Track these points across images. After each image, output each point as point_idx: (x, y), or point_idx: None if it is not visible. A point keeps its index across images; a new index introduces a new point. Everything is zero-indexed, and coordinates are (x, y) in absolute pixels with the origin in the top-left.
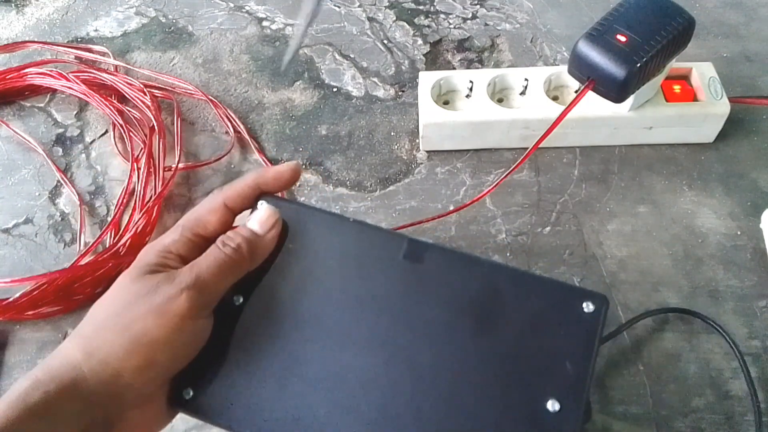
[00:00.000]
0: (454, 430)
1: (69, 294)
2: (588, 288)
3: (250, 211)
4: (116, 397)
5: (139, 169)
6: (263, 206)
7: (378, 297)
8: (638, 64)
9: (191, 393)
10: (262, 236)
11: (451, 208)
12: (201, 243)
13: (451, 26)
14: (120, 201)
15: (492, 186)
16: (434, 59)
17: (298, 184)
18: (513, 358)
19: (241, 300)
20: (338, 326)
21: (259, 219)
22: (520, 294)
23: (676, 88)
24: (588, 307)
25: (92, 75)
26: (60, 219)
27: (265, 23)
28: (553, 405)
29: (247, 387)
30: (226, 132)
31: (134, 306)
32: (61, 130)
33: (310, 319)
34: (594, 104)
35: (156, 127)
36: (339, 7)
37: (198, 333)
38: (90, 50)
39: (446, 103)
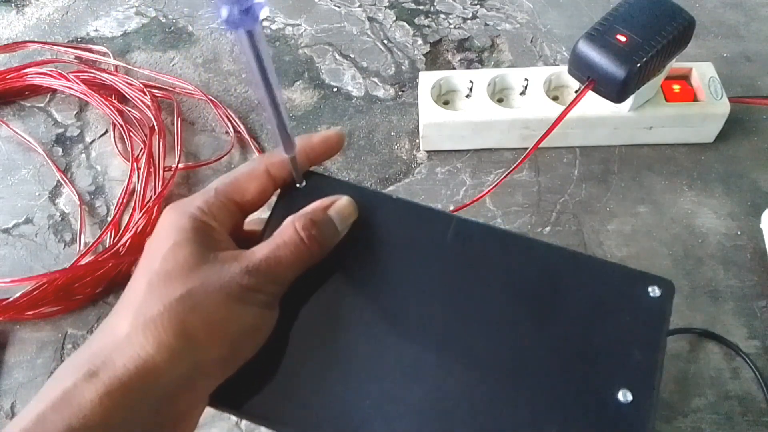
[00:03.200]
0: (516, 423)
1: (69, 294)
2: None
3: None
4: (191, 391)
5: (139, 169)
6: (345, 198)
7: (427, 280)
8: (638, 64)
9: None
10: (339, 232)
11: (451, 208)
12: (235, 211)
13: (451, 26)
14: (120, 201)
15: (492, 186)
16: (434, 59)
17: None
18: (578, 346)
19: None
20: (383, 311)
21: (341, 212)
22: (582, 278)
23: (676, 88)
24: (654, 291)
25: (92, 75)
26: (60, 219)
27: (265, 23)
28: (624, 395)
29: (281, 376)
30: (226, 132)
31: (211, 292)
32: (61, 130)
33: (349, 301)
34: (594, 104)
35: (156, 127)
36: (339, 7)
37: (273, 322)
38: (90, 50)
39: (446, 103)
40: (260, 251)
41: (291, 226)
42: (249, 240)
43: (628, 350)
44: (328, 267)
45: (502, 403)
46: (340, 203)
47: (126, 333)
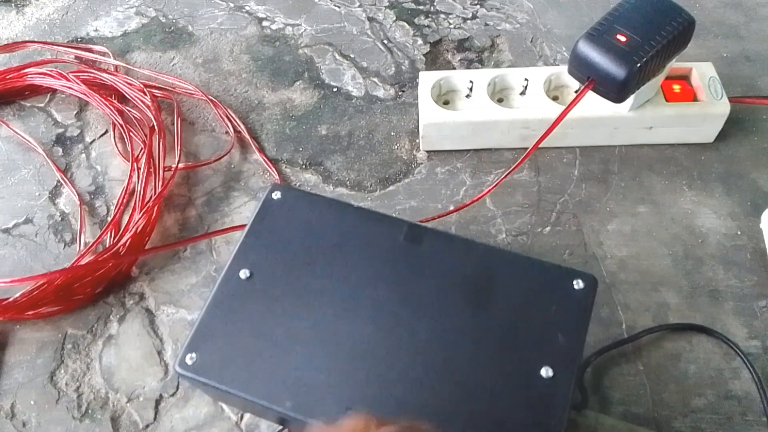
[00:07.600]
0: (453, 397)
1: (69, 294)
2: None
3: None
4: None
5: (139, 169)
6: None
7: (380, 275)
8: (638, 64)
9: (195, 357)
10: None
11: (451, 208)
12: None
13: (451, 26)
14: (120, 201)
15: (492, 186)
16: (434, 59)
17: (298, 184)
18: (509, 332)
19: (248, 274)
20: (342, 300)
21: None
22: (515, 274)
23: (676, 88)
24: (578, 284)
25: (92, 75)
26: (60, 219)
27: (265, 23)
28: (546, 371)
29: (249, 353)
30: (226, 132)
31: None
32: (61, 130)
33: (314, 293)
34: (594, 104)
35: (156, 127)
36: (339, 7)
37: None
38: (90, 50)
39: (446, 103)
40: None
41: None
42: None
43: (553, 335)
44: (290, 262)
45: (442, 380)
46: None
47: None
